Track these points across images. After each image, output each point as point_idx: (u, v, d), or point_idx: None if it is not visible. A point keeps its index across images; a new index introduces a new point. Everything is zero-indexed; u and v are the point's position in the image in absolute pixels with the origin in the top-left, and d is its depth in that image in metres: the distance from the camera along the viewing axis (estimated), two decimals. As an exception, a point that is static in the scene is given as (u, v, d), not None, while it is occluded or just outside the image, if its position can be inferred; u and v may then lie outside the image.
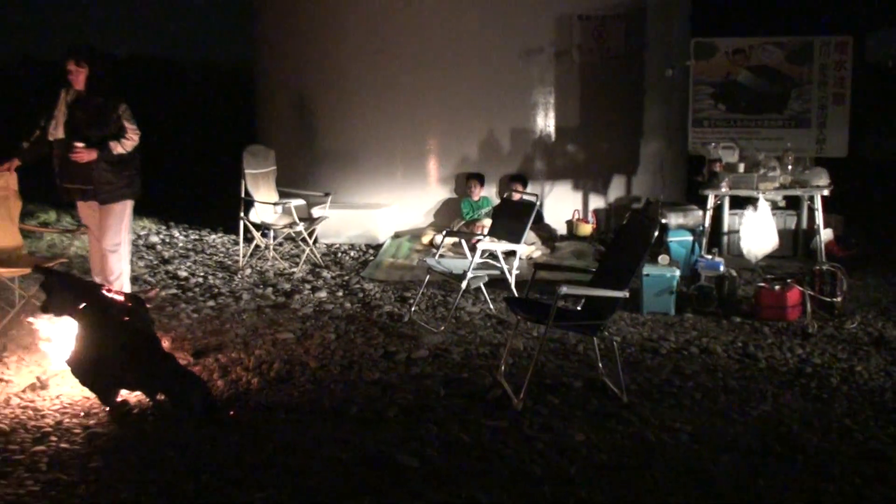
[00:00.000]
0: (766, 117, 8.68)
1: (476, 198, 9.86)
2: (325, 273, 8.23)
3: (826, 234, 8.22)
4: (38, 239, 9.14)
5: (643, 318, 6.70)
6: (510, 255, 7.14)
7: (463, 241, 7.25)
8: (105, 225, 6.57)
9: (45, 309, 4.69)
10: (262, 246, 8.68)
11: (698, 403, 4.86)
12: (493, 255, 6.93)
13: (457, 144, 10.13)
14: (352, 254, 9.25)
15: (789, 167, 7.93)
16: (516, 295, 6.41)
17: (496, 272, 6.45)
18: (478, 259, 6.39)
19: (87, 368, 4.60)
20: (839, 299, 6.65)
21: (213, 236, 10.09)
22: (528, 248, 7.09)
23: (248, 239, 8.78)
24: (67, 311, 4.62)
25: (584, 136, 10.21)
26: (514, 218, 6.59)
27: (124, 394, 4.73)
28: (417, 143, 10.22)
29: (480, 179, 9.89)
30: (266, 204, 8.55)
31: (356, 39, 10.12)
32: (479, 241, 7.37)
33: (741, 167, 7.87)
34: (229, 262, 8.69)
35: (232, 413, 4.64)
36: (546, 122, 10.11)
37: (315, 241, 9.07)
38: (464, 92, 9.99)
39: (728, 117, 8.74)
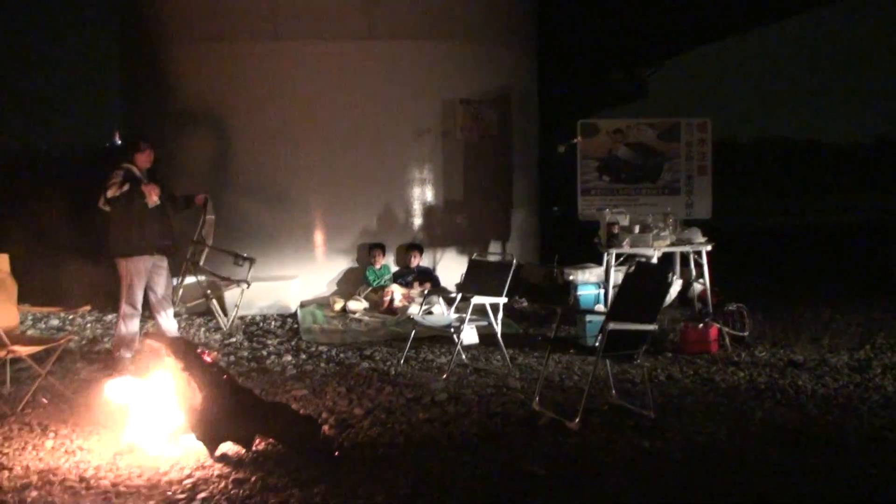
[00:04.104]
0: (643, 186, 10.12)
1: (378, 266, 10.56)
2: (267, 341, 8.60)
3: (701, 285, 9.64)
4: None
5: (591, 358, 7.69)
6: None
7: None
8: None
9: (185, 370, 4.93)
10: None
11: (707, 415, 5.87)
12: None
13: (354, 217, 10.83)
14: (272, 323, 9.61)
15: (670, 228, 9.32)
16: (502, 343, 7.27)
17: (484, 323, 7.23)
18: (468, 313, 7.14)
19: (207, 425, 4.89)
20: (747, 333, 8.02)
21: (111, 316, 9.99)
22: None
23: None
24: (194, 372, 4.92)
25: (467, 206, 11.26)
26: (491, 275, 7.39)
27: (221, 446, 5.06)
28: (317, 218, 10.83)
29: (382, 249, 10.63)
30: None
31: (245, 120, 10.69)
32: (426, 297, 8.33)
33: (637, 229, 9.16)
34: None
35: (336, 453, 5.08)
36: (436, 195, 11.06)
37: (226, 313, 9.40)
38: (360, 169, 10.75)
39: (611, 187, 10.10)
